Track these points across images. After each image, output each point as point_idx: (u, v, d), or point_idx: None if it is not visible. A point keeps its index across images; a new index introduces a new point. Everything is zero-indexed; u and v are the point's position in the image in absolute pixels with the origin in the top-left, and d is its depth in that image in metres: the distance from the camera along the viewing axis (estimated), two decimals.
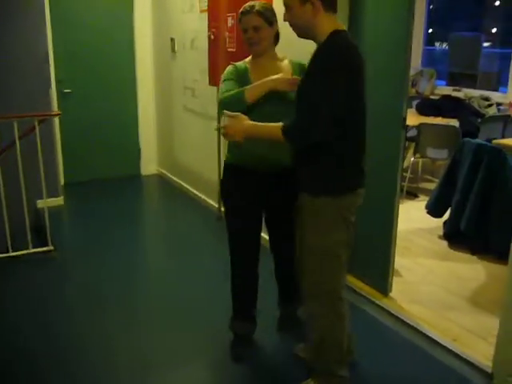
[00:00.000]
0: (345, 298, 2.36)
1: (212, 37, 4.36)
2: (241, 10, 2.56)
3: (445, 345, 2.85)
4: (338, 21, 2.17)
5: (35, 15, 4.79)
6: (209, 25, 4.40)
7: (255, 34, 2.50)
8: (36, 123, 3.87)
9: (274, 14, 2.55)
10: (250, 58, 2.64)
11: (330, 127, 2.07)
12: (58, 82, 5.56)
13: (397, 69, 3.06)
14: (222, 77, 2.61)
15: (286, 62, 2.60)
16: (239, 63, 2.64)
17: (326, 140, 2.11)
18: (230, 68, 2.63)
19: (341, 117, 2.07)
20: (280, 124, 2.14)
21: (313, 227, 2.25)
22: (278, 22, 2.53)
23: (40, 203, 4.57)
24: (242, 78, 2.55)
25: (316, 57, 2.10)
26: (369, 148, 3.30)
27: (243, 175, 2.60)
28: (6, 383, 2.61)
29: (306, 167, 2.24)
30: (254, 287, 2.81)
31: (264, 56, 2.57)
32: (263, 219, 2.76)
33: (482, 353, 2.76)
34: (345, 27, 2.18)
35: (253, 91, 2.44)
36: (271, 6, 2.62)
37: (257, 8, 2.50)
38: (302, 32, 2.18)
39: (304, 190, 2.25)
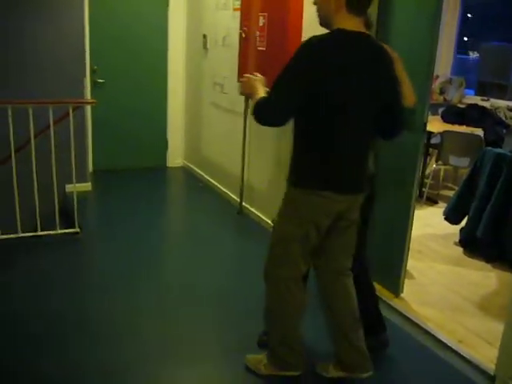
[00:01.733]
0: (296, 288, 2.45)
1: (243, 35, 4.48)
2: None
3: (451, 346, 2.93)
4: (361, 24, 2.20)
5: (75, 5, 4.98)
6: (241, 23, 4.53)
7: None
8: (70, 110, 4.04)
9: None
10: None
11: (282, 114, 2.18)
12: (92, 71, 5.74)
13: (420, 74, 3.13)
14: None
15: None
16: None
17: (278, 124, 2.22)
18: None
19: (295, 109, 2.17)
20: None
21: (279, 213, 2.42)
22: None
23: (69, 188, 4.74)
24: None
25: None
26: (389, 151, 3.39)
27: None
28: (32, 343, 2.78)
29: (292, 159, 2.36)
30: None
31: None
32: None
33: (487, 355, 2.83)
34: (363, 30, 2.21)
35: None
36: None
37: None
38: (322, 21, 2.27)
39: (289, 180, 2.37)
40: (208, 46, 5.59)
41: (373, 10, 3.39)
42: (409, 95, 2.37)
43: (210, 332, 3.06)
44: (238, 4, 4.71)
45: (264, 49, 4.20)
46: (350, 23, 2.16)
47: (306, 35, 3.90)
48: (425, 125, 3.20)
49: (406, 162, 3.31)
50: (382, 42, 2.40)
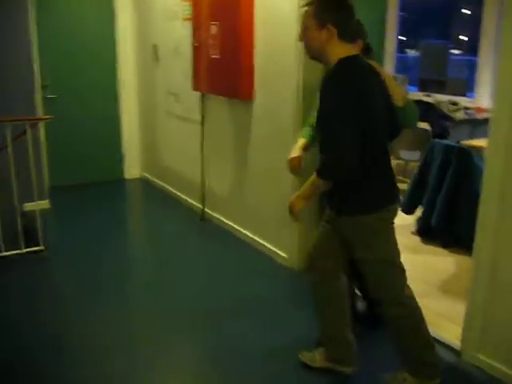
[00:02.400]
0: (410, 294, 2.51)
1: (196, 44, 4.56)
2: None
3: None
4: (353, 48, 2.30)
5: (21, 22, 4.92)
6: (193, 33, 4.61)
7: None
8: (28, 127, 4.02)
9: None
10: None
11: (356, 151, 2.14)
12: (42, 87, 5.68)
13: None
14: None
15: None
16: None
17: (357, 165, 2.15)
18: None
19: (360, 139, 2.16)
20: (315, 174, 2.26)
21: (366, 249, 2.41)
22: None
23: (29, 206, 4.67)
24: None
25: (324, 86, 2.24)
26: None
27: None
28: None
29: (346, 191, 2.32)
30: None
31: None
32: None
33: (452, 333, 3.02)
34: (357, 52, 2.33)
35: None
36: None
37: None
38: (314, 54, 2.32)
39: (349, 212, 2.37)
40: (159, 56, 5.65)
41: None
42: (398, 95, 2.51)
43: (185, 340, 3.10)
44: (187, 14, 4.79)
45: (218, 57, 4.29)
46: (344, 50, 2.25)
47: (258, 41, 4.02)
48: None
49: None
50: None
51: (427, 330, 2.53)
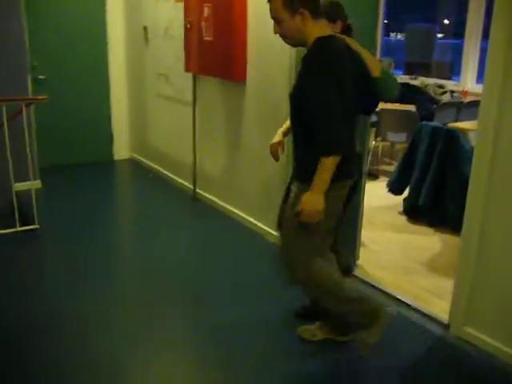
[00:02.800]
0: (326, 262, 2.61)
1: (188, 26, 4.59)
2: None
3: (406, 302, 3.24)
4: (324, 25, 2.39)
5: (12, 4, 4.89)
6: (185, 14, 4.63)
7: None
8: (23, 107, 4.04)
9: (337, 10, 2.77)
10: None
11: (345, 123, 2.27)
12: (32, 68, 5.66)
13: None
14: None
15: None
16: None
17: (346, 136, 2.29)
18: None
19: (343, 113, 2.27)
20: (321, 158, 2.25)
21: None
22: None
23: (21, 186, 4.69)
24: None
25: (303, 66, 2.31)
26: None
27: None
28: None
29: (305, 160, 2.43)
30: None
31: None
32: None
33: (439, 308, 3.15)
34: (330, 32, 2.41)
35: None
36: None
37: None
38: (295, 41, 2.39)
39: (302, 179, 2.43)
40: (149, 37, 5.65)
41: None
42: (374, 66, 2.56)
43: (179, 320, 3.15)
44: None
45: (211, 39, 4.33)
46: (321, 28, 2.33)
47: (250, 21, 4.06)
48: None
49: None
50: None
51: (349, 287, 2.63)
